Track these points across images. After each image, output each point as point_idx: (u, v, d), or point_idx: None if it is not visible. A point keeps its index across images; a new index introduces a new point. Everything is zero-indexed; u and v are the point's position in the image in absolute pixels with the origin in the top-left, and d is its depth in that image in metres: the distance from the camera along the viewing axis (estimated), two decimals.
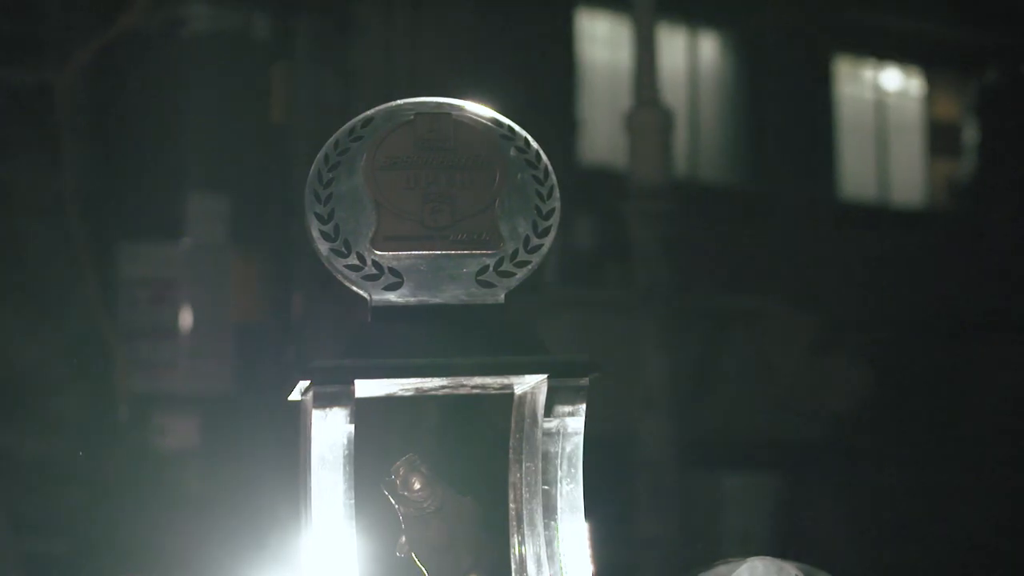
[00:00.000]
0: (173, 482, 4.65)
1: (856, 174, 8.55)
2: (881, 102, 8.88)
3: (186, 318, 4.87)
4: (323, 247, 1.51)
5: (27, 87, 5.42)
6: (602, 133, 7.04)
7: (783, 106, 8.10)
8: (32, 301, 5.42)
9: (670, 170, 4.73)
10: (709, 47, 8.17)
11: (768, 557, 1.42)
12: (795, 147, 8.08)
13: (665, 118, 4.75)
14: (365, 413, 1.50)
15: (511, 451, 1.53)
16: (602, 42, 7.53)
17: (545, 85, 7.23)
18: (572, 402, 1.48)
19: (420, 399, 1.55)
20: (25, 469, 5.17)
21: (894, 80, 9.03)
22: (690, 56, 8.03)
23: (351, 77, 6.10)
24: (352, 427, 1.45)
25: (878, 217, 8.54)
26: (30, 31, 5.44)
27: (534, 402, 1.50)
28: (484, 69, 6.93)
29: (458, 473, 1.56)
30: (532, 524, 1.49)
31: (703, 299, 6.50)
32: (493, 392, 1.55)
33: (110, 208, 5.03)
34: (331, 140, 1.54)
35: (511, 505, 1.51)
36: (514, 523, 1.51)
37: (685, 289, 6.18)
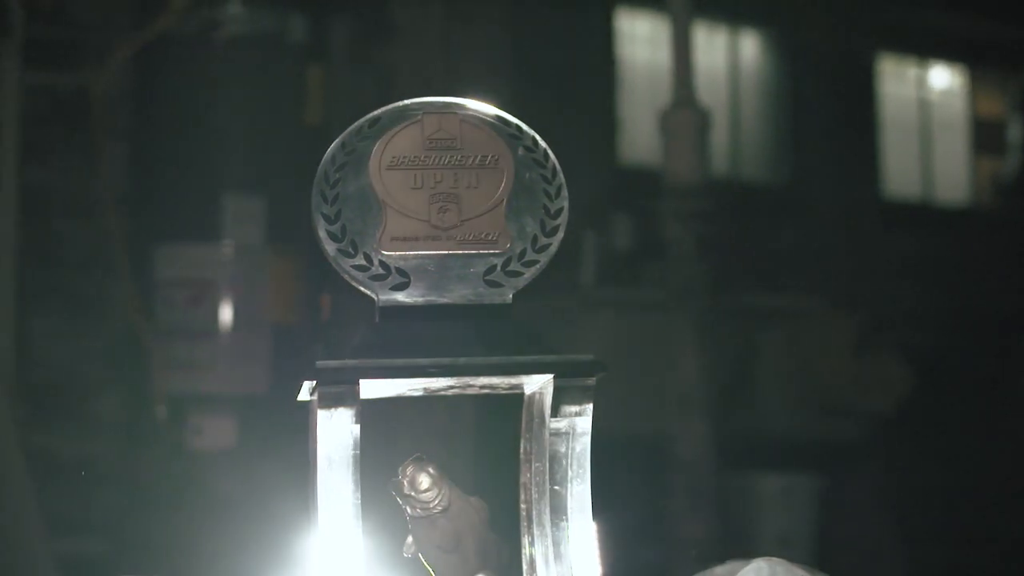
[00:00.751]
0: (209, 482, 4.67)
1: (899, 172, 8.50)
2: (924, 100, 8.82)
3: (223, 319, 4.88)
4: (330, 247, 1.50)
5: (66, 91, 5.45)
6: (641, 133, 7.02)
7: (825, 104, 8.06)
8: (71, 303, 5.45)
9: (706, 170, 4.70)
10: (750, 46, 8.13)
11: (775, 559, 1.40)
12: (837, 146, 8.03)
13: (701, 118, 4.73)
14: (374, 413, 1.50)
15: (521, 451, 1.52)
16: (642, 41, 7.51)
17: (584, 84, 7.22)
18: (579, 402, 1.47)
19: (431, 399, 1.55)
20: (63, 469, 5.20)
21: (937, 77, 8.97)
22: (731, 55, 8.00)
23: (386, 78, 6.11)
24: (358, 427, 1.45)
25: (921, 216, 8.49)
26: (69, 36, 5.47)
27: (542, 402, 1.49)
28: (521, 69, 6.93)
29: (468, 473, 1.55)
30: (541, 524, 1.48)
31: (743, 298, 6.47)
32: (503, 392, 1.54)
33: (147, 210, 5.05)
34: (338, 140, 1.53)
35: (522, 505, 1.51)
36: (524, 523, 1.50)
37: (725, 288, 6.16)
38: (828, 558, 5.88)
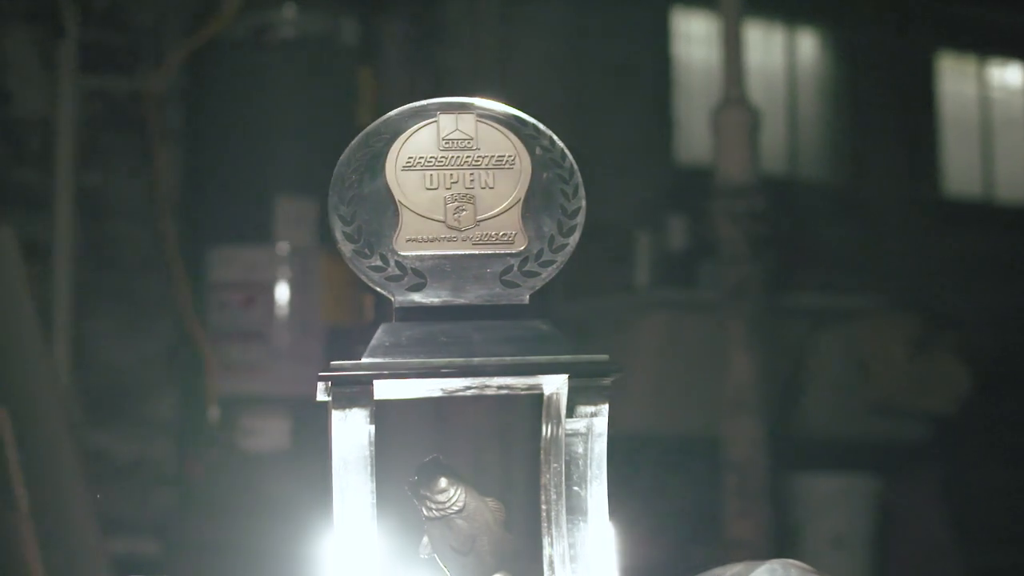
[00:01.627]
0: (262, 483, 4.68)
1: (959, 171, 8.42)
2: (985, 97, 8.74)
3: (276, 320, 4.89)
4: (346, 248, 1.51)
5: (121, 94, 5.50)
6: (696, 132, 6.99)
7: (884, 102, 8.00)
8: (127, 305, 5.49)
9: (757, 168, 4.67)
10: (808, 44, 8.09)
11: (792, 560, 1.38)
12: (897, 144, 7.98)
13: (752, 116, 4.70)
14: (395, 414, 1.50)
15: (542, 452, 1.52)
16: (698, 40, 7.48)
17: (640, 84, 7.20)
18: (594, 402, 1.47)
19: (453, 400, 1.55)
20: (120, 470, 5.25)
21: (999, 75, 8.88)
22: (788, 53, 7.95)
23: (440, 79, 6.12)
24: (372, 427, 1.45)
25: (981, 214, 8.41)
26: (124, 39, 5.52)
27: (559, 403, 1.49)
28: (577, 68, 6.92)
29: (488, 474, 1.55)
30: (559, 525, 1.48)
31: (800, 298, 6.44)
32: (522, 393, 1.53)
33: (201, 212, 5.08)
34: (355, 141, 1.54)
35: (542, 506, 1.50)
36: (544, 524, 1.50)
37: (782, 288, 6.13)
38: (885, 559, 5.84)
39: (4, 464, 4.35)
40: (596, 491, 1.48)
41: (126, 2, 5.58)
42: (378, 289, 1.52)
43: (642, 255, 5.99)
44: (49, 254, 5.35)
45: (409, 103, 1.58)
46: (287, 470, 4.69)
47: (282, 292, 4.91)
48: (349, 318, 5.00)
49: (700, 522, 5.07)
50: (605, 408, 1.47)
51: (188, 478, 4.97)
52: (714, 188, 4.69)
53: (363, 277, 1.52)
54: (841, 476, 5.81)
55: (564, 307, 6.05)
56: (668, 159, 7.25)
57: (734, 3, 4.75)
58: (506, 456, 1.79)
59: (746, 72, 4.77)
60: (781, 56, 7.91)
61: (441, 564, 1.47)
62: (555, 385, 1.49)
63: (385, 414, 1.52)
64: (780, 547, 5.36)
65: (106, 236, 5.50)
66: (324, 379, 1.44)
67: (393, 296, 1.51)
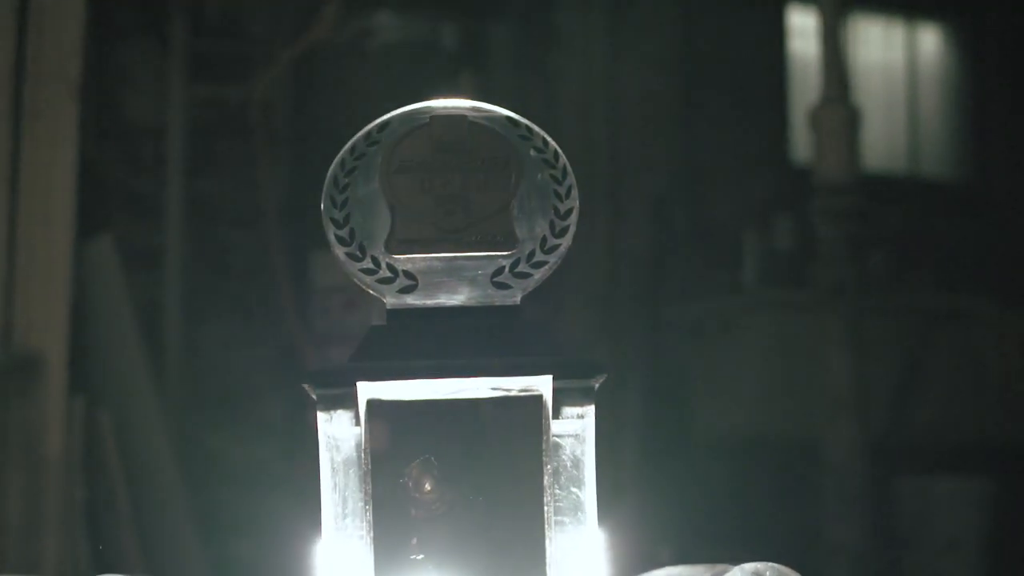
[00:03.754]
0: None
1: None
2: None
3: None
4: (339, 251, 1.52)
5: (231, 103, 5.59)
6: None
7: (1007, 98, 7.85)
8: (237, 310, 5.58)
9: (857, 167, 4.62)
10: (929, 39, 7.97)
11: (774, 564, 1.36)
12: (1020, 140, 7.82)
13: (851, 115, 4.65)
14: (397, 416, 1.50)
15: (533, 454, 1.52)
16: (811, 37, 7.40)
17: (753, 83, 7.14)
18: (580, 404, 1.46)
19: (450, 401, 1.55)
20: (231, 473, 5.32)
21: None
22: (908, 49, 7.84)
23: (551, 82, 6.13)
24: (358, 430, 1.46)
25: None
26: (232, 48, 5.61)
27: (548, 405, 1.49)
28: (687, 70, 6.88)
29: (482, 476, 1.55)
30: (549, 527, 1.48)
31: (917, 297, 6.35)
32: (518, 395, 1.53)
33: (306, 217, 5.14)
34: (348, 145, 1.55)
35: (531, 508, 1.50)
36: (533, 526, 1.50)
37: (899, 287, 6.05)
38: (1000, 563, 5.72)
39: (106, 466, 4.44)
40: (584, 493, 1.47)
41: (235, 12, 5.67)
42: (371, 291, 1.53)
43: (750, 256, 5.95)
44: (161, 260, 5.45)
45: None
46: (391, 471, 4.71)
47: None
48: None
49: (804, 525, 5.01)
50: (591, 410, 1.47)
51: (297, 479, 5.03)
52: (813, 187, 4.64)
53: (356, 280, 1.53)
54: (955, 478, 5.70)
55: (675, 309, 6.03)
56: (780, 159, 7.18)
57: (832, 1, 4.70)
58: (503, 457, 1.80)
59: (849, 69, 4.73)
60: (901, 52, 7.80)
61: (429, 565, 1.48)
62: (545, 387, 1.49)
63: (390, 417, 1.53)
64: (890, 550, 5.28)
65: (216, 242, 5.59)
66: (308, 381, 1.45)
67: (385, 298, 1.52)
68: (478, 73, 5.20)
